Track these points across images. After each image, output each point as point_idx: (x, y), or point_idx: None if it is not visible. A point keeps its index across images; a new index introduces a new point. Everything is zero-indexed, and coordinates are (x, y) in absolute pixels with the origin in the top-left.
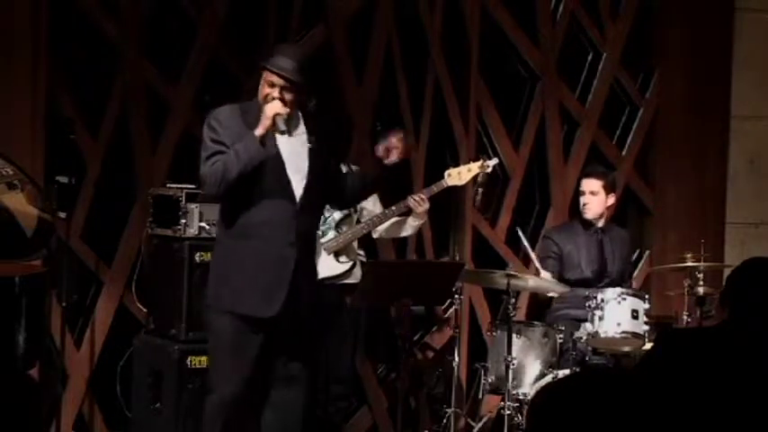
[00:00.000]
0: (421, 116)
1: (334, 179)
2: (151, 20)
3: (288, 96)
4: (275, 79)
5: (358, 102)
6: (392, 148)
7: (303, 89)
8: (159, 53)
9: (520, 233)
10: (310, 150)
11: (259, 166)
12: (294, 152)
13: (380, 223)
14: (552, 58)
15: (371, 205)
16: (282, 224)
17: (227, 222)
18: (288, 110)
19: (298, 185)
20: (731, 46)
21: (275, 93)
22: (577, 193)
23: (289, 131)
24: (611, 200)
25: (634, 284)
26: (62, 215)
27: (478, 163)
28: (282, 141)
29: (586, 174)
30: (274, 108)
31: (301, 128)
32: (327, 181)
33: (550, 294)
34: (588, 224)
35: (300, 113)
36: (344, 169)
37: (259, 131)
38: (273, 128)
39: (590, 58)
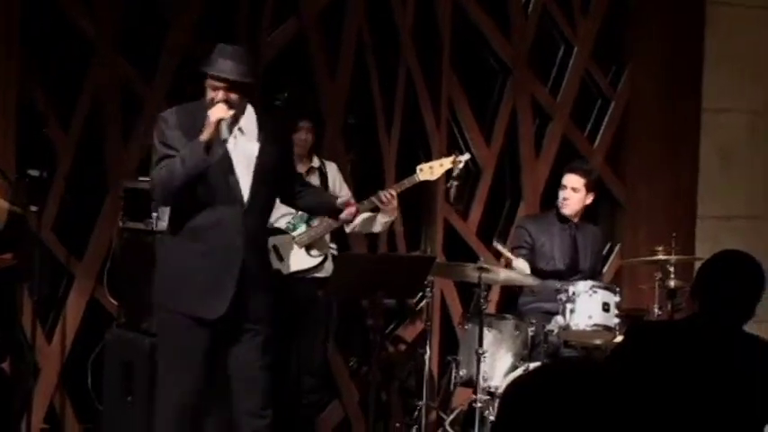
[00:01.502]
0: (392, 110)
1: (286, 181)
2: (126, 15)
3: (233, 97)
4: (217, 82)
5: (330, 96)
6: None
7: (248, 88)
8: (133, 48)
9: (499, 247)
10: (260, 150)
11: (206, 168)
12: (244, 152)
13: None
14: (524, 52)
15: None
16: (229, 226)
17: (176, 223)
18: (233, 112)
19: (245, 186)
20: (703, 39)
21: (219, 95)
22: (548, 185)
23: (240, 130)
24: (590, 199)
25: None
26: (33, 208)
27: (450, 158)
28: (232, 140)
29: (570, 169)
30: (218, 113)
31: (253, 126)
32: (278, 181)
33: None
34: (563, 219)
35: (254, 111)
36: (317, 164)
37: (204, 137)
38: (218, 134)
39: (561, 51)
